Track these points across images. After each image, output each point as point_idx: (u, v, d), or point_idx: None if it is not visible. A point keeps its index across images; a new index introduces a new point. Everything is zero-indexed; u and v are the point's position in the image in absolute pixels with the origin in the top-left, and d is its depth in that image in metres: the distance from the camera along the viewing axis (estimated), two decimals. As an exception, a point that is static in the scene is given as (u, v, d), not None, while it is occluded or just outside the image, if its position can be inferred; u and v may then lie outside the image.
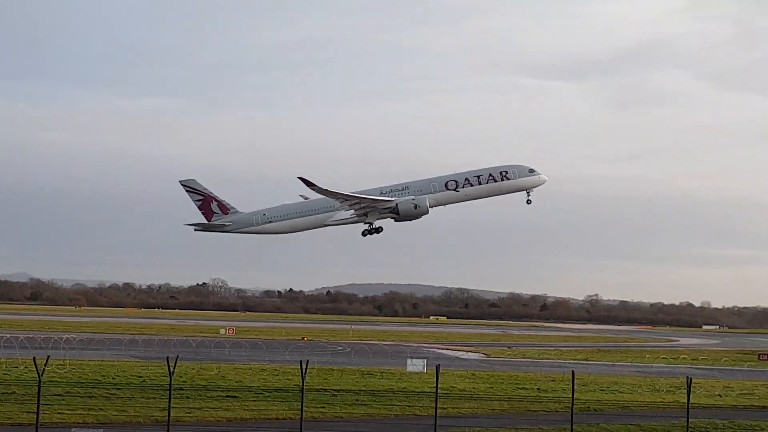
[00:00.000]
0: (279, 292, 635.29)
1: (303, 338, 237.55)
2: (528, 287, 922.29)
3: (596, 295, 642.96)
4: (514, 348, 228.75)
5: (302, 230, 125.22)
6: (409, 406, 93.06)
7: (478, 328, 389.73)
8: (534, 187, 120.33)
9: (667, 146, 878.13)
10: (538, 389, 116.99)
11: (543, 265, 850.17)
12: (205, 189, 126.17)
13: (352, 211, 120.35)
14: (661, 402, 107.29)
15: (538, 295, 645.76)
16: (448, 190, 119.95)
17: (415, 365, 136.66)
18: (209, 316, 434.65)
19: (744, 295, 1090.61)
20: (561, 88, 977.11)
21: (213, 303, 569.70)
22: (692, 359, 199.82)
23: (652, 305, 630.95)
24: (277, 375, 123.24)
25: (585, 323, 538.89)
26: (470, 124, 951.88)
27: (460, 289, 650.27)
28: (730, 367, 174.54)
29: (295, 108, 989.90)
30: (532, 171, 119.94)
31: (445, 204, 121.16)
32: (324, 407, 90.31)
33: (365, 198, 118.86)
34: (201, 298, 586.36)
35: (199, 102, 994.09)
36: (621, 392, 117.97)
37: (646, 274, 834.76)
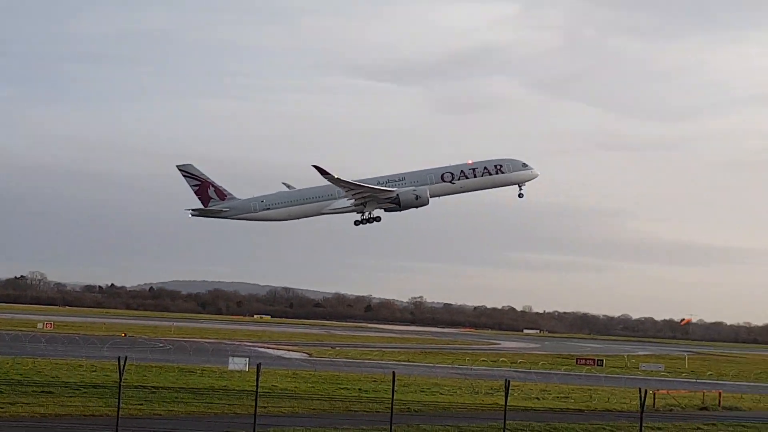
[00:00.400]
0: (100, 287, 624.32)
1: (123, 334, 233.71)
2: (353, 288, 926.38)
3: (421, 297, 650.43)
4: (337, 348, 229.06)
5: (299, 218, 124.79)
6: (229, 405, 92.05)
7: (302, 328, 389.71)
8: (527, 181, 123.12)
9: (494, 151, 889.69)
10: (359, 389, 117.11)
11: (368, 267, 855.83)
12: (203, 174, 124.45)
13: (352, 200, 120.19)
14: (480, 404, 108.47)
15: (362, 296, 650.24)
16: (444, 181, 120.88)
17: (237, 363, 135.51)
18: (26, 309, 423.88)
19: (564, 300, 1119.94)
20: (393, 91, 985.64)
21: (31, 297, 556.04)
22: (512, 362, 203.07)
23: (475, 308, 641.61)
24: (94, 371, 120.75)
25: (409, 325, 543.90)
26: (302, 124, 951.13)
27: (285, 289, 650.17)
28: (548, 371, 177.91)
29: (119, 102, 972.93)
30: (525, 165, 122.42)
31: (440, 195, 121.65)
32: (142, 404, 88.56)
33: (370, 188, 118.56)
34: (18, 292, 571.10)
35: (14, 92, 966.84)
36: (441, 393, 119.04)
37: (470, 277, 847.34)
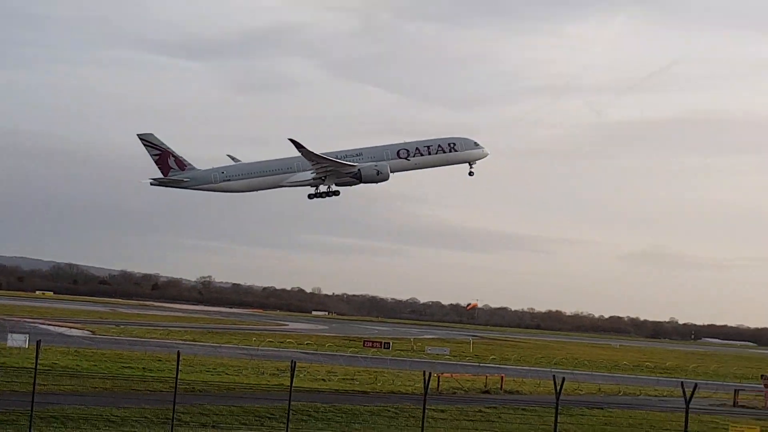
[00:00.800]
0: None
1: None
2: (140, 266, 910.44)
3: (209, 276, 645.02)
4: (121, 326, 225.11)
5: (258, 190, 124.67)
6: (7, 382, 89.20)
7: (86, 305, 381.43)
8: (478, 160, 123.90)
9: (291, 132, 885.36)
10: (143, 368, 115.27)
11: (156, 244, 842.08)
12: (163, 144, 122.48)
13: (314, 173, 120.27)
14: (266, 384, 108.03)
15: (150, 274, 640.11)
16: (400, 158, 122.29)
17: (16, 340, 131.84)
18: None
19: (354, 283, 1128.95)
20: (186, 68, 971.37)
21: None
22: (299, 344, 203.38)
23: (264, 289, 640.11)
24: None
25: (196, 304, 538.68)
26: (92, 98, 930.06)
27: (70, 265, 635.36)
28: (335, 353, 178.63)
29: None
30: (477, 144, 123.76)
31: (395, 171, 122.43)
32: None
33: (336, 162, 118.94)
34: None
35: None
36: (227, 374, 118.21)
37: (260, 258, 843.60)
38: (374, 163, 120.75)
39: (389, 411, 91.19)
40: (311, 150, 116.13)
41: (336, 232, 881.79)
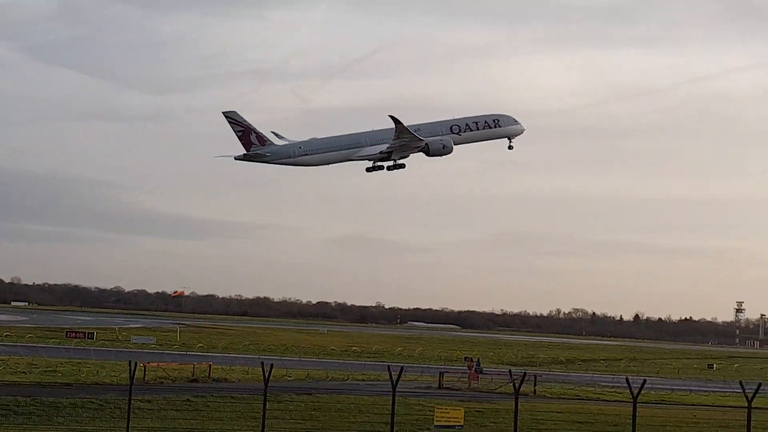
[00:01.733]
0: None
1: None
2: None
3: None
4: None
5: (332, 163, 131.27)
6: None
7: None
8: (517, 135, 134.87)
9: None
10: None
11: None
12: (245, 121, 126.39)
13: (383, 147, 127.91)
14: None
15: None
16: (453, 133, 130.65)
17: None
18: None
19: (55, 272, 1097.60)
20: None
21: None
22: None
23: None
24: None
25: None
26: None
27: None
28: (35, 344, 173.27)
29: None
30: (516, 121, 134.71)
31: None
32: None
33: (415, 137, 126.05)
34: None
35: None
36: None
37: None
38: (440, 138, 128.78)
39: (93, 403, 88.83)
40: (405, 126, 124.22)
41: (35, 219, 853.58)
